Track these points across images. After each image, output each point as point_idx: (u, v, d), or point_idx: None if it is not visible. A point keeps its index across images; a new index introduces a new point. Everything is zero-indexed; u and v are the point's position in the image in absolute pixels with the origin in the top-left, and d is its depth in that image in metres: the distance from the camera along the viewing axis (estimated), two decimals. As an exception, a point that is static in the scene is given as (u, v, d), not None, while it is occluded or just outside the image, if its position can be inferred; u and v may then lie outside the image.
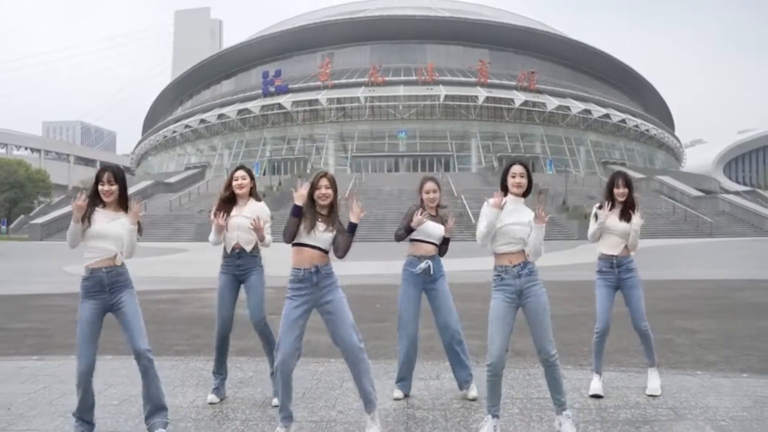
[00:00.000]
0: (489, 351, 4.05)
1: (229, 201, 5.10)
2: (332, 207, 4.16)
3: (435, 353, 6.36)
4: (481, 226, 4.11)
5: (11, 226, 69.51)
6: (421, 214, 4.80)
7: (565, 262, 19.63)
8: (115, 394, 5.07)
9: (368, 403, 4.08)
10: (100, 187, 4.04)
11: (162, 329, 8.08)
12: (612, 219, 5.16)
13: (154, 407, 4.05)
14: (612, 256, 5.17)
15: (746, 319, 8.90)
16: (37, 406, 4.80)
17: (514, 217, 4.10)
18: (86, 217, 3.98)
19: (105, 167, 4.15)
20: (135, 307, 4.05)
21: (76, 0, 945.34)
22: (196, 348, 7.09)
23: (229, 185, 5.12)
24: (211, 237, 5.15)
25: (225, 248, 5.08)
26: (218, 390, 5.00)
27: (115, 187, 4.06)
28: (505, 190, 4.20)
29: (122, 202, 4.14)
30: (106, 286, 4.00)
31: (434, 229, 4.99)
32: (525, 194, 4.20)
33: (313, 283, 4.06)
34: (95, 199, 4.07)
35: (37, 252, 31.31)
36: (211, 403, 4.88)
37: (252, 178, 5.20)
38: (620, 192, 5.16)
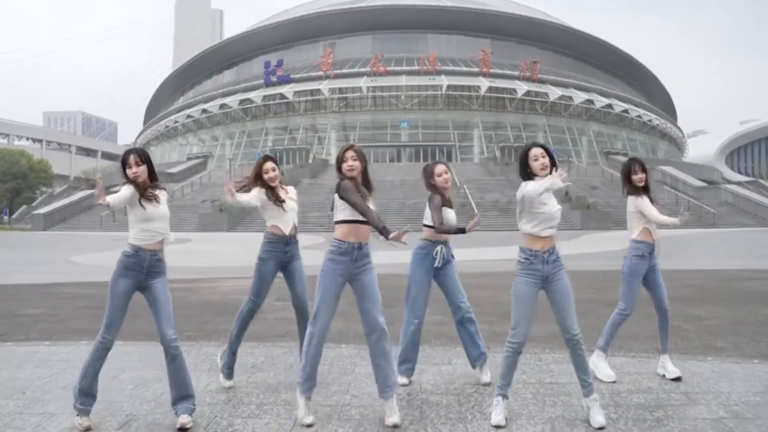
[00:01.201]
0: (515, 329, 4.07)
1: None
2: (363, 179, 4.22)
3: (446, 338, 6.39)
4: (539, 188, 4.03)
5: (13, 216, 69.65)
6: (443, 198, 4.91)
7: (567, 252, 19.64)
8: (129, 379, 5.09)
9: (383, 389, 4.09)
10: (128, 171, 4.04)
11: (171, 316, 8.12)
12: (647, 206, 5.14)
13: (179, 395, 4.09)
14: (654, 241, 5.18)
15: (751, 306, 8.91)
16: (52, 390, 4.82)
17: (550, 199, 4.12)
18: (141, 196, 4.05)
19: (129, 150, 4.17)
20: (167, 294, 4.10)
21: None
22: (207, 333, 7.13)
23: (258, 176, 5.05)
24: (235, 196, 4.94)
25: (275, 233, 4.98)
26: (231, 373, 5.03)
27: (143, 167, 4.06)
28: (528, 177, 4.19)
29: (152, 182, 4.13)
30: (145, 268, 4.06)
31: (453, 216, 4.98)
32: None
33: (353, 258, 4.13)
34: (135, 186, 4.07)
35: (41, 242, 31.36)
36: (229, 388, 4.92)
37: (279, 167, 5.22)
38: (639, 177, 5.15)
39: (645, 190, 5.20)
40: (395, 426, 3.95)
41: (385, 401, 4.06)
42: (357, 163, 4.19)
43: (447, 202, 4.99)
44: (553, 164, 4.18)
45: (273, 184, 5.04)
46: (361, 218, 4.10)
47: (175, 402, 4.07)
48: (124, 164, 4.07)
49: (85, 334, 6.91)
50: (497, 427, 3.95)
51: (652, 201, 5.16)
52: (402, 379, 4.94)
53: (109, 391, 4.73)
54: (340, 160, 4.22)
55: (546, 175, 4.12)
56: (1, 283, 12.67)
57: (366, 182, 4.26)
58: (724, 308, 8.74)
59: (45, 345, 6.44)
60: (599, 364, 5.12)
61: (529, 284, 4.09)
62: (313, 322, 4.12)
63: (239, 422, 4.08)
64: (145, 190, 4.06)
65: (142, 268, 4.04)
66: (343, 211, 4.13)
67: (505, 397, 4.10)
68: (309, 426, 3.96)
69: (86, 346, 6.25)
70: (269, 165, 5.07)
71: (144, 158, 4.09)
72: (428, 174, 5.02)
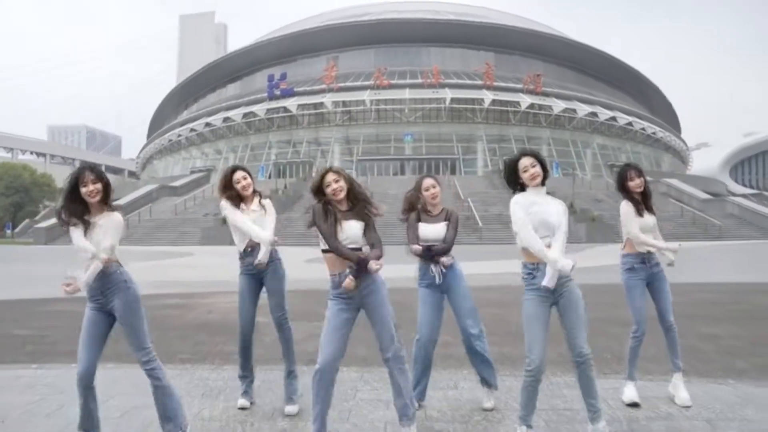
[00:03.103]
0: (528, 356, 3.78)
1: (235, 199, 4.91)
2: (350, 196, 3.89)
3: (453, 360, 6.09)
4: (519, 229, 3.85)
5: (16, 230, 69.56)
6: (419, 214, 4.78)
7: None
8: (117, 406, 4.79)
9: (402, 417, 3.85)
10: (83, 189, 3.72)
11: (166, 336, 7.80)
12: (646, 215, 4.88)
13: (161, 416, 3.86)
14: (646, 253, 4.89)
15: (770, 324, 8.60)
16: (34, 418, 4.54)
17: (540, 207, 3.83)
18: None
19: (82, 167, 3.85)
20: (127, 316, 3.76)
21: (82, 6, 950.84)
22: (202, 356, 6.80)
23: (227, 186, 4.92)
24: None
25: (238, 249, 4.91)
26: (247, 393, 4.85)
27: (99, 185, 3.75)
28: (517, 186, 3.96)
29: (104, 201, 3.81)
30: (97, 290, 3.76)
31: (430, 232, 4.74)
32: (543, 182, 3.94)
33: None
34: (74, 207, 3.77)
35: (41, 256, 31.14)
36: (242, 408, 4.72)
37: (251, 175, 5.05)
38: (636, 183, 4.88)
39: (644, 196, 4.93)
40: None
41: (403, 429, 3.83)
42: (341, 184, 3.85)
43: (432, 218, 4.79)
44: (545, 172, 3.92)
45: (246, 193, 4.88)
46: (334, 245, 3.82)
47: (161, 423, 3.85)
48: (78, 181, 3.75)
49: (75, 357, 6.59)
50: None
51: (649, 209, 4.89)
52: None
53: (94, 420, 4.44)
54: (322, 186, 3.87)
55: (537, 186, 3.87)
56: (-4, 299, 12.38)
57: (355, 198, 3.91)
58: (741, 326, 8.40)
59: (32, 369, 6.15)
60: (628, 391, 4.83)
61: (535, 302, 3.81)
62: (318, 360, 3.81)
63: (231, 455, 3.79)
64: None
65: (96, 291, 3.76)
66: (321, 239, 3.87)
67: (529, 426, 3.82)
68: None
69: (75, 369, 5.96)
70: (239, 175, 4.91)
71: (100, 176, 3.80)
72: (416, 188, 4.87)
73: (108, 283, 3.74)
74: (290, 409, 4.66)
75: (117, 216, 3.81)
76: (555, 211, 3.83)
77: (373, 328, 3.89)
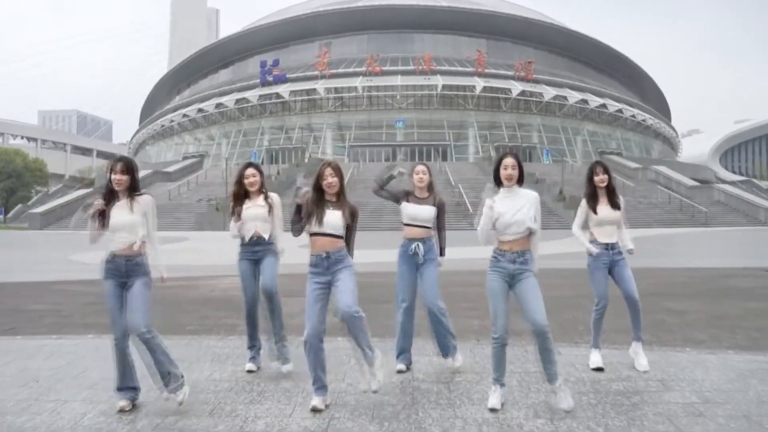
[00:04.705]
0: (494, 325, 4.37)
1: (241, 196, 5.44)
2: (339, 194, 4.48)
3: (437, 332, 6.66)
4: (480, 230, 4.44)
5: (9, 215, 69.67)
6: (407, 195, 5.39)
7: (560, 250, 19.86)
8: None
9: (366, 357, 4.44)
10: (112, 176, 4.33)
11: (173, 311, 8.37)
12: (604, 210, 5.44)
13: (162, 374, 4.38)
14: (608, 243, 5.46)
15: (732, 301, 9.22)
16: (64, 379, 5.09)
17: (509, 206, 4.38)
18: (103, 215, 4.33)
19: (119, 158, 4.47)
20: (140, 292, 4.33)
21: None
22: (208, 327, 7.39)
23: (239, 181, 5.46)
24: (231, 230, 5.50)
25: (243, 237, 5.46)
26: (255, 359, 5.47)
27: (126, 177, 4.34)
28: (498, 181, 4.49)
29: (132, 191, 4.40)
30: (123, 272, 4.36)
31: (420, 212, 5.32)
32: (519, 182, 4.48)
33: (324, 267, 4.42)
34: (111, 194, 4.37)
35: (40, 242, 31.52)
36: (249, 371, 5.33)
37: (261, 173, 5.58)
38: (600, 179, 5.44)
39: (609, 191, 5.48)
40: (374, 392, 4.44)
41: (369, 368, 4.46)
42: (335, 180, 4.44)
43: (420, 200, 5.37)
44: (521, 176, 4.46)
45: (252, 189, 5.43)
46: (318, 231, 4.40)
47: (165, 385, 4.37)
48: (111, 169, 4.36)
49: (91, 328, 7.16)
50: (492, 410, 4.26)
51: (613, 204, 5.44)
52: (399, 365, 5.31)
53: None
54: (320, 177, 4.44)
55: (511, 186, 4.41)
56: (4, 280, 12.91)
57: (341, 193, 4.49)
58: (706, 304, 9.04)
59: (53, 339, 6.69)
60: (594, 357, 5.43)
61: (497, 280, 4.39)
62: (305, 332, 4.38)
63: (242, 408, 4.36)
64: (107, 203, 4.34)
65: (121, 272, 4.36)
66: (314, 223, 4.44)
67: (502, 384, 4.40)
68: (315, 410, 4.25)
69: (93, 339, 6.54)
70: (249, 171, 5.46)
71: (129, 168, 4.38)
72: (410, 171, 5.47)
73: (135, 268, 4.37)
74: (287, 367, 5.28)
75: (147, 197, 4.48)
76: (526, 209, 4.37)
77: (336, 292, 4.40)
